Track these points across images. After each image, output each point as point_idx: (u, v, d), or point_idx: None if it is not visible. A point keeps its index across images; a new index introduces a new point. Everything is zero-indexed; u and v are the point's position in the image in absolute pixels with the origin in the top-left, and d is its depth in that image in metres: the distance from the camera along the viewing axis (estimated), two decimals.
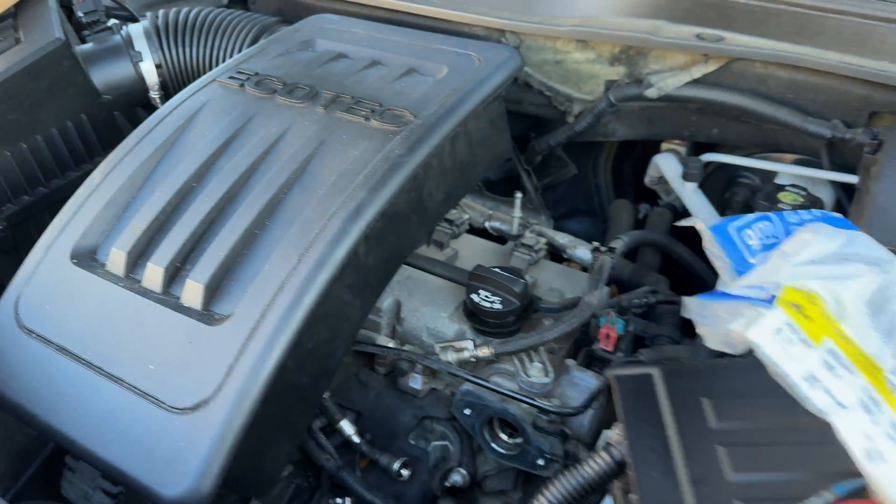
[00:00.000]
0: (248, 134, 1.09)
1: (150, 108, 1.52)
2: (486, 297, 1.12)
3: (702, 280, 1.36)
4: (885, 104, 1.12)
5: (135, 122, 1.49)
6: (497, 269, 1.14)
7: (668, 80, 1.25)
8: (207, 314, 0.91)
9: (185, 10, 1.49)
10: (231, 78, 1.19)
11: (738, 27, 1.21)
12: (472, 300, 1.13)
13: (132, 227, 1.00)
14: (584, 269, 1.37)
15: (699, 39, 1.19)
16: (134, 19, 1.59)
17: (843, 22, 1.21)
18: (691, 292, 1.34)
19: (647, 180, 1.51)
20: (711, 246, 0.82)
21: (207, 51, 1.45)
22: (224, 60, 1.44)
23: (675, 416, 0.62)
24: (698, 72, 1.24)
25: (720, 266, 0.80)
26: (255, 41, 1.43)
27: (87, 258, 1.01)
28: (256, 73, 1.20)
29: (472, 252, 1.41)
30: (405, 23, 1.40)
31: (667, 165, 1.38)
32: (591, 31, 1.27)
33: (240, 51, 1.43)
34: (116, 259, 0.98)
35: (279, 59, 1.25)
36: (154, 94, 1.47)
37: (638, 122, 1.40)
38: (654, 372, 0.67)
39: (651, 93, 1.27)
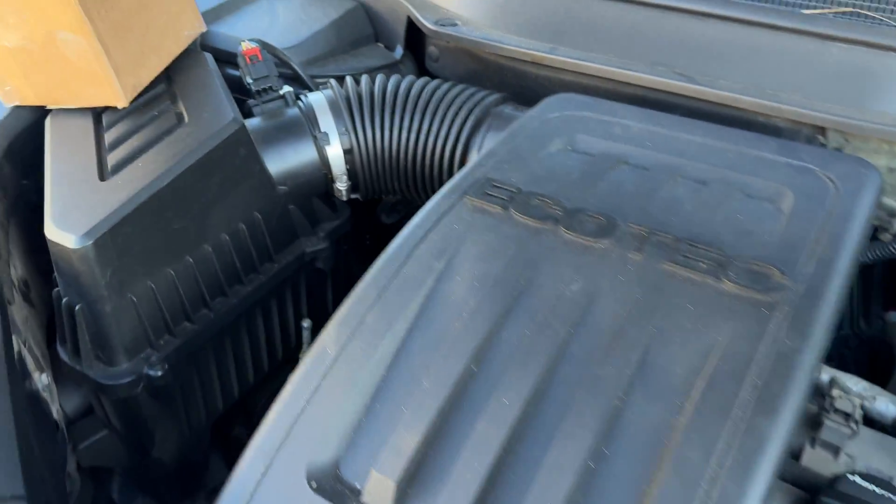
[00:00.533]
0: (536, 292, 0.77)
1: (328, 198, 1.22)
2: None
3: None
4: None
5: (311, 216, 1.19)
6: (862, 482, 0.82)
7: None
8: None
9: (380, 80, 1.19)
10: (486, 195, 0.88)
11: None
12: None
13: (396, 438, 0.69)
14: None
15: None
16: (299, 81, 1.29)
17: None
18: None
19: None
20: None
21: (413, 135, 1.14)
22: (437, 151, 1.13)
23: None
24: None
25: None
26: (477, 125, 1.12)
27: (331, 480, 0.70)
28: (518, 190, 0.89)
29: None
30: (674, 106, 1.08)
31: None
32: None
33: (458, 138, 1.12)
34: (380, 490, 0.67)
35: (538, 163, 0.94)
36: (341, 186, 1.17)
37: None
38: None
39: None
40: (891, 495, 0.82)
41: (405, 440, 0.69)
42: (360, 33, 1.47)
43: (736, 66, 1.06)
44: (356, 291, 0.81)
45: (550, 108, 1.05)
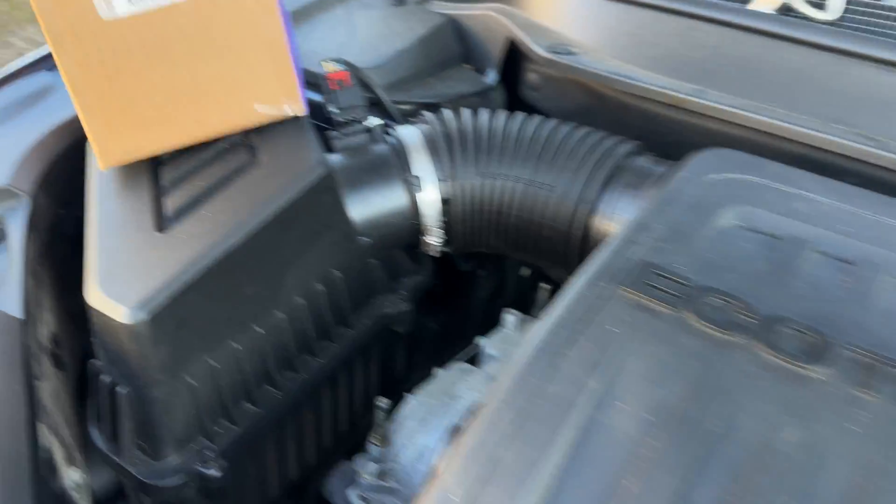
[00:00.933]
0: (736, 437, 0.58)
1: (413, 249, 1.04)
2: None
3: None
4: None
5: (391, 271, 1.01)
6: None
7: None
8: None
9: (485, 115, 1.00)
10: (648, 286, 0.69)
11: None
12: None
13: None
14: None
15: None
16: (382, 110, 1.11)
17: None
18: None
19: None
20: None
21: (528, 188, 0.95)
22: (557, 209, 0.94)
23: None
24: None
25: None
26: (608, 181, 0.92)
27: None
28: (690, 282, 0.69)
29: None
30: (847, 173, 0.89)
31: None
32: None
33: (584, 194, 0.92)
34: None
35: (706, 244, 0.74)
36: (433, 240, 0.98)
37: None
38: None
39: None
40: None
41: None
42: (447, 53, 1.28)
43: None
44: (486, 415, 0.62)
45: (706, 167, 0.85)
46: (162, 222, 0.80)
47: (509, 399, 0.63)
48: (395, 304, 1.01)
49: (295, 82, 0.84)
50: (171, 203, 0.82)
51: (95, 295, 0.73)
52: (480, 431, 0.61)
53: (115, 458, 0.79)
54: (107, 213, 0.82)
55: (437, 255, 1.01)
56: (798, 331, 0.64)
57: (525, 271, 1.40)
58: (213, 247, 0.76)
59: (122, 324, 0.71)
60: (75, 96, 0.77)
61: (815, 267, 0.72)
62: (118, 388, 0.76)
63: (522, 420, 0.61)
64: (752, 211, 0.78)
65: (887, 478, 0.55)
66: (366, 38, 1.24)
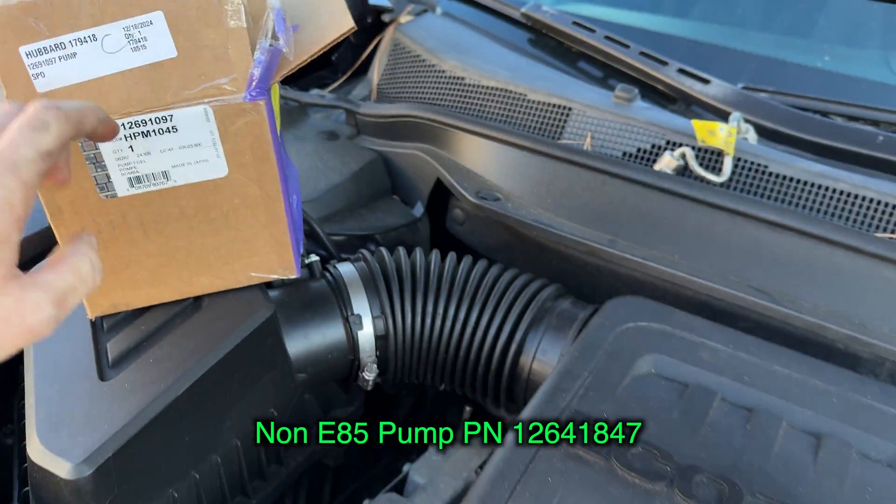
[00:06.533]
0: None
1: (346, 381, 1.07)
2: None
3: None
4: None
5: (324, 403, 1.03)
6: None
7: None
8: None
9: (419, 255, 1.06)
10: (588, 449, 0.75)
11: None
12: None
13: None
14: None
15: None
16: (318, 243, 1.16)
17: None
18: None
19: None
20: None
21: (459, 326, 1.01)
22: (487, 346, 1.00)
23: None
24: None
25: None
26: (534, 322, 1.00)
27: None
28: (616, 434, 0.76)
29: None
30: (739, 319, 1.00)
31: None
32: None
33: (513, 335, 0.99)
34: None
35: (627, 393, 0.82)
36: (368, 375, 1.01)
37: None
38: None
39: None
40: None
41: None
42: (378, 187, 1.36)
43: (816, 287, 0.99)
44: None
45: (619, 316, 0.94)
46: (104, 370, 0.80)
47: None
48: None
49: (292, 257, 0.86)
50: (113, 348, 0.83)
51: (37, 449, 0.72)
52: None
53: None
54: (46, 359, 0.82)
55: (370, 387, 1.04)
56: (711, 479, 0.72)
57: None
58: (158, 397, 0.76)
59: (64, 479, 0.70)
60: None
61: (720, 416, 0.80)
62: None
63: None
64: (663, 359, 0.87)
65: None
66: (300, 171, 1.29)
